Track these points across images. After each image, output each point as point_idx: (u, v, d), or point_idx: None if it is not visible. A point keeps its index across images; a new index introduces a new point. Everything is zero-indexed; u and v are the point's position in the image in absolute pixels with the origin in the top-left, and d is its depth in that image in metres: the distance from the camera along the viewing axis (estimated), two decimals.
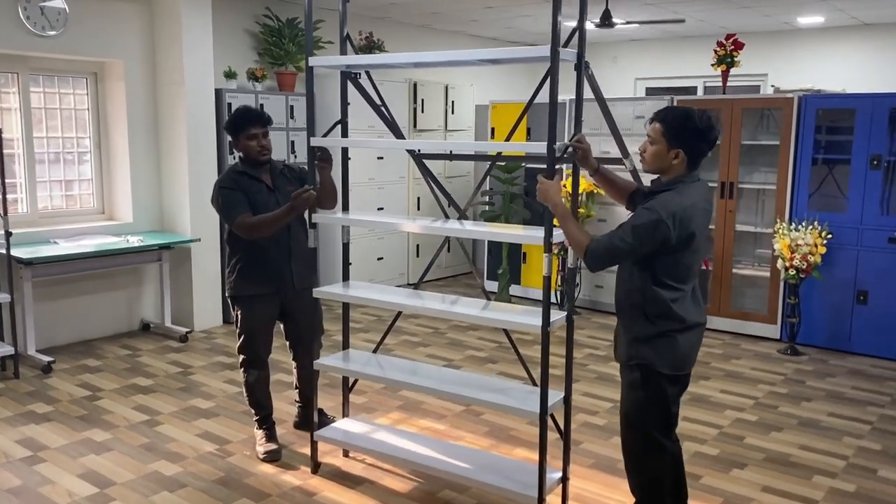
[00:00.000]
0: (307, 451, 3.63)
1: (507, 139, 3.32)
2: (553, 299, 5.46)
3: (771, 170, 6.04)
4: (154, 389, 4.65)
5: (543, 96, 3.22)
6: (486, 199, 7.13)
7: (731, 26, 7.71)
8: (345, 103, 3.54)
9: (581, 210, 6.14)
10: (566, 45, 2.83)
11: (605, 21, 6.23)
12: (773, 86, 7.12)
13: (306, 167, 3.53)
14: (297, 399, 4.06)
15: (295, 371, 4.00)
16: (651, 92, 9.27)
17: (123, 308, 5.90)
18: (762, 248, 6.20)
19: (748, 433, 4.11)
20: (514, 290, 7.14)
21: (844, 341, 5.62)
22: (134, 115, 5.80)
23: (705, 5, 6.80)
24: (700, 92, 8.84)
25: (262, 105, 6.09)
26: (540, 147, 2.76)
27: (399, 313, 3.66)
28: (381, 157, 7.20)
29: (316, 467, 3.56)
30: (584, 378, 4.94)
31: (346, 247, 3.68)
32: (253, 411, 3.83)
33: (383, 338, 3.71)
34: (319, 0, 5.70)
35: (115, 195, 5.98)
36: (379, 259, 7.31)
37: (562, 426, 3.18)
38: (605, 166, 2.96)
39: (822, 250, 5.36)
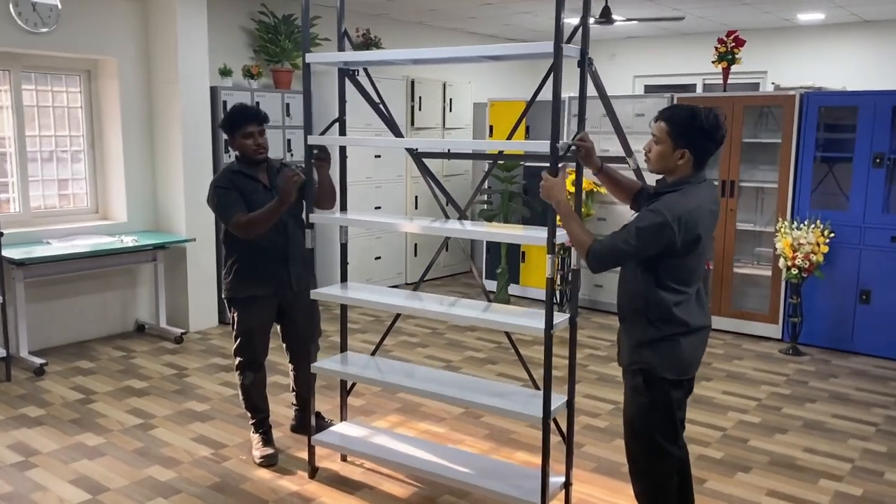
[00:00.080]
0: (304, 455, 3.56)
1: (509, 138, 3.26)
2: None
3: (770, 168, 5.99)
4: (148, 392, 4.58)
5: (543, 94, 3.17)
6: (485, 197, 7.06)
7: (730, 23, 7.65)
8: (342, 101, 3.47)
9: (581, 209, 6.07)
10: (568, 41, 2.76)
11: (605, 18, 6.17)
12: (773, 83, 7.06)
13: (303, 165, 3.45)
14: (294, 402, 4.00)
15: (292, 373, 3.94)
16: (650, 89, 9.22)
17: (118, 309, 5.83)
18: (761, 247, 6.15)
19: (752, 435, 4.05)
20: (512, 289, 7.08)
21: (847, 341, 5.57)
22: (128, 114, 5.72)
23: (705, 2, 6.75)
24: (699, 89, 8.79)
25: (257, 103, 6.02)
26: (542, 146, 2.70)
27: (398, 315, 3.60)
28: (379, 156, 7.14)
29: (313, 472, 3.49)
30: (584, 379, 4.88)
31: (343, 247, 3.62)
32: (249, 415, 3.77)
33: (382, 340, 3.64)
34: None
35: (109, 194, 5.90)
36: (377, 258, 7.24)
37: (564, 430, 3.12)
38: (609, 165, 2.89)
39: (825, 249, 5.31)
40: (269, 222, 3.44)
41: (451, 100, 7.87)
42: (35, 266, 4.93)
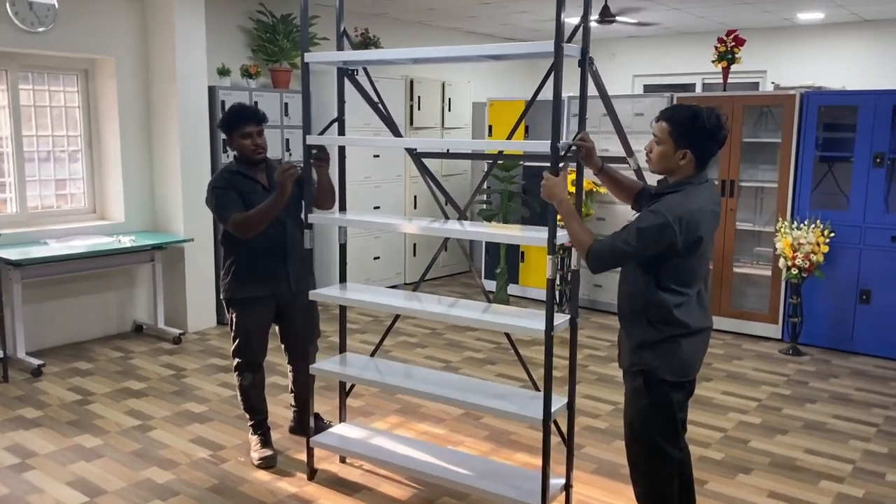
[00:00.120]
0: (303, 456, 3.54)
1: (509, 138, 3.24)
2: None
3: (770, 167, 5.98)
4: (146, 393, 4.56)
5: (542, 93, 3.15)
6: (484, 197, 7.04)
7: (730, 22, 7.64)
8: (341, 101, 3.45)
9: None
10: (568, 40, 2.74)
11: (605, 17, 6.15)
12: (773, 82, 7.05)
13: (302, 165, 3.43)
14: (293, 403, 3.98)
15: (290, 374, 3.92)
16: (649, 89, 9.20)
17: (115, 309, 5.80)
18: (760, 246, 6.14)
19: (753, 436, 4.04)
20: (512, 289, 7.07)
21: (847, 341, 5.56)
22: (126, 113, 5.70)
23: (705, 1, 6.73)
24: (698, 89, 8.77)
25: (256, 102, 5.99)
26: (543, 146, 2.68)
27: (397, 316, 3.58)
28: (378, 156, 7.12)
29: (312, 474, 3.47)
30: (584, 380, 4.86)
31: (342, 248, 3.59)
32: (247, 416, 3.75)
33: (381, 342, 3.62)
34: None
35: (106, 194, 5.87)
36: (375, 258, 7.22)
37: (564, 432, 3.10)
38: (610, 165, 2.87)
39: (825, 249, 5.30)
40: (266, 219, 3.41)
41: (450, 99, 7.85)
42: (32, 267, 4.90)
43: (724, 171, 5.86)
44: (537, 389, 3.13)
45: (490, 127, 7.16)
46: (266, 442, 3.69)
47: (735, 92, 6.08)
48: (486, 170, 7.20)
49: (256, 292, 3.59)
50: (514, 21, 8.07)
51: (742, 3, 6.77)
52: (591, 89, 2.89)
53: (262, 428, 3.72)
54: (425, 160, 3.57)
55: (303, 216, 3.35)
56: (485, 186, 7.11)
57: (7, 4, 4.95)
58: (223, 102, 5.87)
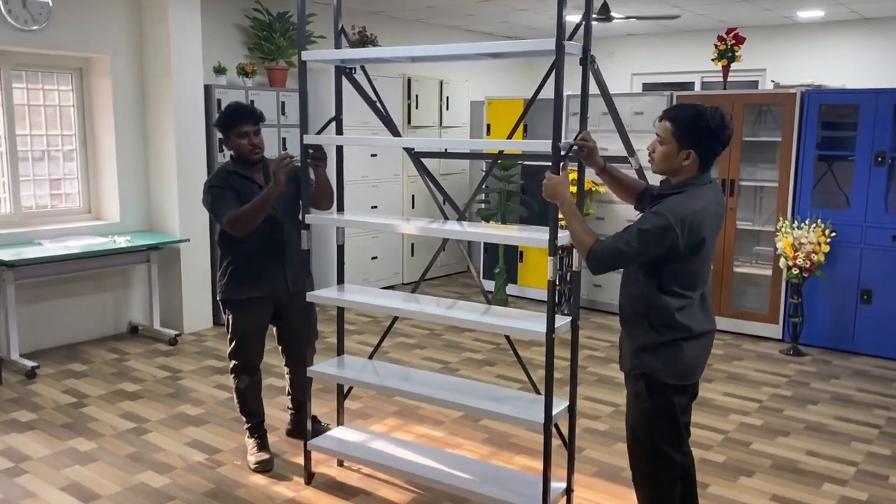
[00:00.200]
0: (300, 460, 3.50)
1: (509, 137, 3.20)
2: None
3: (769, 166, 5.94)
4: (141, 395, 4.51)
5: (542, 92, 3.11)
6: (482, 196, 6.99)
7: (729, 20, 7.60)
8: (339, 99, 3.41)
9: None
10: (569, 38, 2.69)
11: (604, 15, 6.11)
12: (772, 81, 7.00)
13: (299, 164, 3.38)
14: (290, 406, 3.93)
15: (287, 377, 3.87)
16: (648, 87, 9.16)
17: (110, 310, 5.75)
18: (760, 246, 6.10)
19: (754, 438, 4.00)
20: (510, 289, 7.02)
21: (848, 341, 5.52)
22: (121, 112, 5.64)
23: None
24: (697, 87, 8.73)
25: (252, 101, 5.94)
26: (544, 146, 2.63)
27: (395, 318, 3.54)
28: (375, 155, 7.07)
29: (309, 478, 3.43)
30: (584, 381, 4.82)
31: (340, 249, 3.55)
32: (244, 419, 3.70)
33: (379, 344, 3.57)
34: None
35: (101, 194, 5.82)
36: (373, 258, 7.17)
37: (565, 435, 3.06)
38: (612, 165, 2.83)
39: (826, 249, 5.26)
40: (261, 213, 3.35)
41: (447, 98, 7.81)
42: (26, 267, 4.85)
43: (724, 171, 5.82)
44: (537, 392, 3.09)
45: (488, 126, 7.11)
46: (263, 445, 3.64)
47: (735, 90, 6.04)
48: (484, 169, 7.19)
49: (253, 293, 3.54)
50: (512, 19, 8.03)
51: (742, 1, 6.73)
52: (591, 88, 2.85)
53: (258, 431, 3.67)
54: (423, 159, 3.52)
55: (300, 216, 3.30)
56: (484, 186, 7.07)
57: (0, 3, 4.89)
58: (219, 101, 5.82)
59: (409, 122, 7.39)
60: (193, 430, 4.01)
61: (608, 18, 6.17)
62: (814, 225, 5.30)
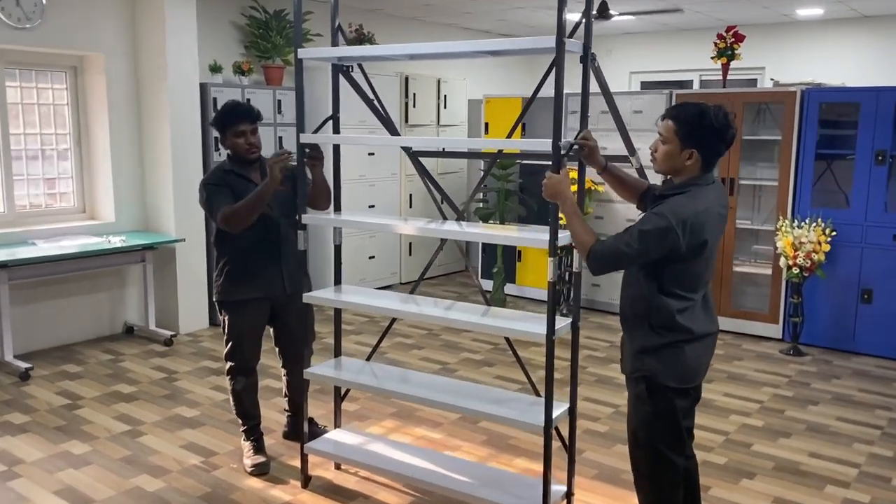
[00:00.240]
0: (297, 463, 3.46)
1: (508, 136, 3.16)
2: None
3: (767, 165, 5.91)
4: (137, 397, 4.46)
5: (541, 90, 3.06)
6: (480, 195, 6.95)
7: (728, 18, 7.56)
8: (336, 98, 3.36)
9: None
10: (569, 35, 2.65)
11: (603, 13, 6.06)
12: (772, 79, 6.97)
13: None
14: (287, 408, 3.89)
15: (284, 378, 3.82)
16: (646, 86, 9.12)
17: (106, 311, 5.70)
18: (759, 245, 6.07)
19: (755, 440, 3.97)
20: (508, 288, 6.98)
21: (848, 341, 5.49)
22: (115, 111, 5.59)
23: None
24: (696, 85, 8.69)
25: (248, 100, 5.88)
26: (545, 145, 2.59)
27: (394, 319, 3.49)
28: (372, 154, 7.02)
29: (306, 481, 3.39)
30: (583, 381, 4.78)
31: (337, 249, 3.50)
32: (240, 421, 3.65)
33: (377, 345, 3.53)
34: None
35: (96, 194, 5.77)
36: (370, 258, 7.13)
37: (565, 437, 3.02)
38: (614, 164, 2.79)
39: (826, 248, 5.23)
40: (255, 209, 3.30)
41: (445, 96, 7.76)
42: (20, 268, 4.80)
43: (723, 170, 5.78)
44: (537, 394, 3.05)
45: (486, 124, 7.07)
46: (259, 448, 3.60)
47: (735, 89, 6.01)
48: (482, 168, 7.15)
49: (250, 294, 3.50)
50: (510, 17, 7.98)
51: None
52: (590, 86, 2.80)
53: (254, 434, 3.63)
54: (421, 158, 3.48)
55: (297, 216, 3.25)
56: (483, 185, 7.03)
57: None
58: (215, 100, 5.77)
59: (406, 120, 7.34)
60: (189, 432, 3.97)
61: (606, 17, 6.13)
62: (814, 224, 5.27)
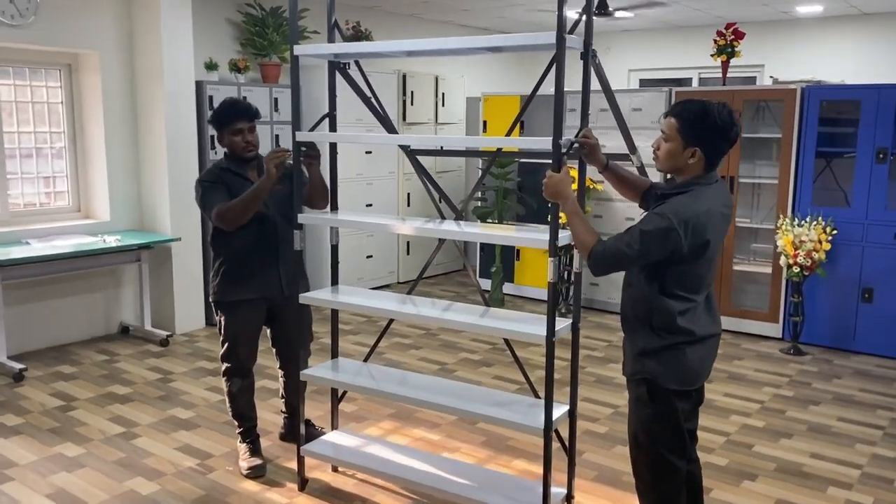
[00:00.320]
0: (294, 465, 3.42)
1: (508, 134, 3.11)
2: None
3: (766, 163, 5.87)
4: (132, 398, 4.41)
5: (540, 88, 3.02)
6: (479, 194, 6.91)
7: (727, 15, 7.52)
8: (333, 95, 3.31)
9: None
10: (570, 32, 2.60)
11: (602, 10, 6.02)
12: (771, 77, 6.94)
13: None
14: (284, 409, 3.84)
15: (281, 379, 3.78)
16: (645, 83, 9.07)
17: (101, 311, 5.65)
18: (758, 243, 6.04)
19: (756, 440, 3.93)
20: (507, 287, 6.94)
21: (849, 340, 5.46)
22: (110, 109, 5.53)
23: None
24: (695, 83, 8.65)
25: (245, 97, 5.81)
26: (544, 143, 2.55)
27: (391, 320, 3.45)
28: (370, 152, 6.98)
29: (303, 484, 3.34)
30: (582, 381, 4.73)
31: (334, 249, 3.46)
32: (236, 423, 3.61)
33: (374, 346, 3.49)
34: None
35: (91, 193, 5.71)
36: (368, 257, 7.08)
37: (565, 439, 2.98)
38: (615, 162, 2.75)
39: (827, 247, 5.19)
40: (251, 206, 3.25)
41: (443, 94, 7.71)
42: (13, 268, 4.75)
43: (723, 168, 5.73)
44: (536, 395, 3.02)
45: (485, 122, 7.03)
46: (255, 450, 3.55)
47: (735, 86, 5.97)
48: (480, 166, 7.09)
49: (246, 295, 3.45)
50: (508, 14, 7.94)
51: None
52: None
53: (251, 436, 3.58)
54: (419, 157, 3.44)
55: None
56: (481, 184, 6.98)
57: None
58: (211, 98, 5.72)
59: (404, 118, 7.29)
60: (184, 434, 3.92)
61: (607, 14, 6.08)
62: (815, 223, 5.23)
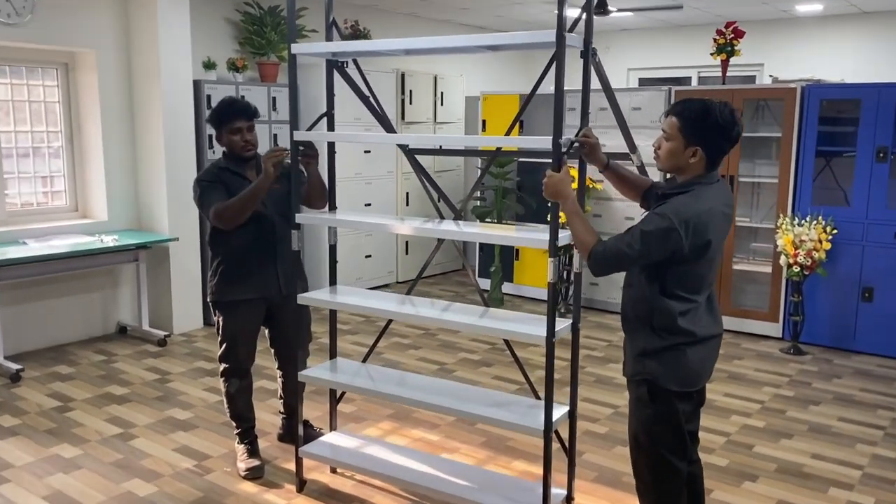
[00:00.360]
0: (292, 466, 3.39)
1: (507, 134, 3.09)
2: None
3: (766, 162, 5.85)
4: (129, 399, 4.39)
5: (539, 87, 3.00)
6: (478, 193, 6.89)
7: (727, 14, 7.50)
8: (331, 94, 3.29)
9: None
10: (570, 30, 2.58)
11: (601, 9, 5.99)
12: (771, 75, 6.92)
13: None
14: (282, 410, 3.82)
15: (280, 380, 3.76)
16: (644, 82, 9.06)
17: (98, 311, 5.62)
18: (758, 242, 6.02)
19: (757, 441, 3.91)
20: (506, 287, 6.92)
21: (849, 340, 5.45)
22: (108, 108, 5.51)
23: None
24: (694, 82, 8.63)
25: (243, 96, 5.76)
26: (544, 142, 2.53)
27: (390, 320, 3.43)
28: (368, 151, 6.95)
29: (301, 485, 3.32)
30: (582, 381, 4.71)
31: (332, 249, 3.44)
32: (234, 424, 3.59)
33: (373, 347, 3.46)
34: None
35: (88, 192, 5.69)
36: (367, 257, 7.06)
37: (565, 439, 2.96)
38: (616, 162, 2.73)
39: (827, 246, 5.18)
40: (249, 205, 3.23)
41: (442, 93, 7.69)
42: (10, 268, 4.72)
43: (723, 167, 5.71)
44: (536, 396, 3.00)
45: (484, 121, 7.01)
46: (253, 451, 3.53)
47: (735, 85, 5.95)
48: (479, 165, 7.07)
49: (244, 295, 3.43)
50: (507, 13, 7.91)
51: None
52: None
53: (249, 437, 3.56)
54: (418, 156, 3.41)
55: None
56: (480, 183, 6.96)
57: None
58: (209, 97, 5.70)
59: (402, 117, 7.27)
60: (182, 435, 3.90)
61: (605, 13, 6.06)
62: (815, 222, 5.22)
